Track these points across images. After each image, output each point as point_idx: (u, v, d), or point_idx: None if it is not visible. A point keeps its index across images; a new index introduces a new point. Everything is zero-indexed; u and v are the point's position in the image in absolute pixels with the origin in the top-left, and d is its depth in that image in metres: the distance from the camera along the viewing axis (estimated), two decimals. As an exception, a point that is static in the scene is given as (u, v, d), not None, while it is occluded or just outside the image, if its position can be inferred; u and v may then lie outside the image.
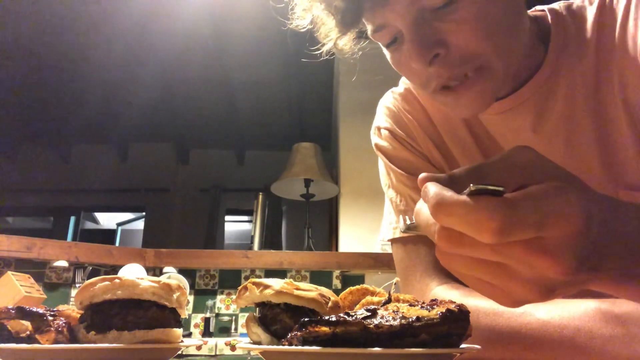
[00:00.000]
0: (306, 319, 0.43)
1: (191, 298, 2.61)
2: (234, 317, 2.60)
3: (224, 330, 2.59)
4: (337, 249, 3.35)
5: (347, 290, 0.60)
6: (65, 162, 6.00)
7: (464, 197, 0.32)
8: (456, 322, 0.43)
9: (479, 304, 0.60)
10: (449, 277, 0.73)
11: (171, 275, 2.44)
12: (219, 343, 2.19)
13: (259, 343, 0.52)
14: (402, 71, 0.68)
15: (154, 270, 2.57)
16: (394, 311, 0.44)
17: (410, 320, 0.42)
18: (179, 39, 4.01)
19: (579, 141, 0.68)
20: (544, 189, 0.33)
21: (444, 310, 0.43)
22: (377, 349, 0.41)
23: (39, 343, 0.51)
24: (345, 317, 0.43)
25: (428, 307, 0.44)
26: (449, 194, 0.33)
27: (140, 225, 6.80)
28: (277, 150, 5.30)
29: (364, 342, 0.42)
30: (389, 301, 0.50)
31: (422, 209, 0.36)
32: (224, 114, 5.34)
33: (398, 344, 0.42)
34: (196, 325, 2.59)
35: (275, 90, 4.92)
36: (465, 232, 0.32)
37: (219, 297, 2.63)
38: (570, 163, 0.61)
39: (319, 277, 2.63)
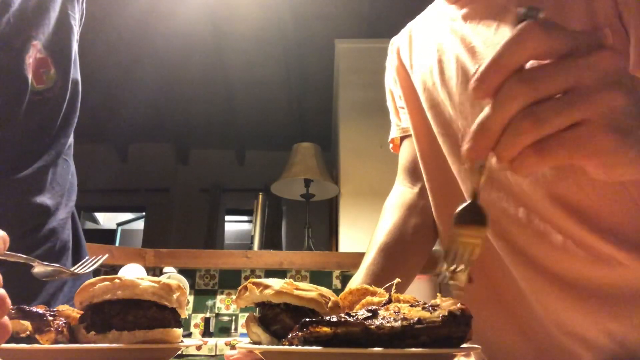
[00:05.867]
0: (307, 319, 0.43)
1: (191, 298, 2.61)
2: (234, 317, 2.60)
3: (224, 330, 2.59)
4: (337, 249, 3.35)
5: (347, 290, 0.60)
6: (65, 162, 6.00)
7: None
8: (457, 325, 0.42)
9: None
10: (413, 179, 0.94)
11: (171, 275, 2.44)
12: (219, 343, 2.19)
13: (259, 343, 0.52)
14: None
15: (154, 270, 2.57)
16: (394, 312, 0.44)
17: (412, 321, 0.42)
18: (179, 39, 4.01)
19: None
20: None
21: (446, 313, 0.42)
22: (378, 348, 0.41)
23: (39, 343, 0.51)
24: (347, 317, 0.43)
25: (430, 308, 0.44)
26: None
27: (140, 225, 6.80)
28: (277, 150, 5.30)
29: (364, 342, 0.42)
30: (389, 302, 0.50)
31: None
32: (224, 114, 5.34)
33: (398, 345, 0.42)
34: (196, 325, 2.59)
35: (275, 90, 4.92)
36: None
37: (219, 297, 2.63)
38: None
39: (319, 277, 2.63)
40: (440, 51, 0.81)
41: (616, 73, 0.35)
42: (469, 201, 0.39)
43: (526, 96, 0.35)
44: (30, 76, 0.83)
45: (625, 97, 0.35)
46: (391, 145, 1.02)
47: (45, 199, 0.88)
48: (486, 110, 0.36)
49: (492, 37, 0.72)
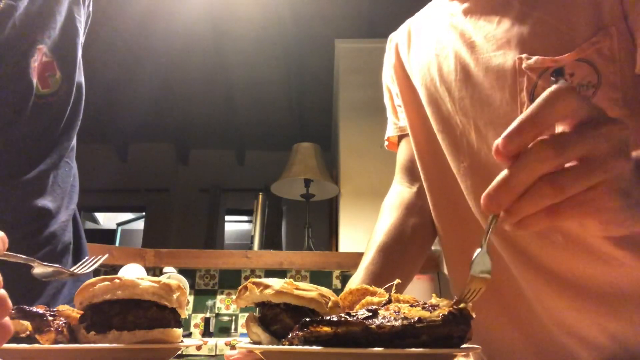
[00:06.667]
0: (308, 319, 0.43)
1: (191, 298, 2.61)
2: (234, 317, 2.60)
3: (224, 330, 2.59)
4: (337, 249, 3.35)
5: (347, 290, 0.60)
6: (65, 162, 6.00)
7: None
8: (457, 324, 0.42)
9: None
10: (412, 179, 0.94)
11: (171, 275, 2.44)
12: (219, 343, 2.19)
13: (259, 343, 0.52)
14: None
15: (154, 270, 2.57)
16: (395, 311, 0.44)
17: (412, 321, 0.42)
18: (179, 39, 4.01)
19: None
20: None
21: (446, 313, 0.42)
22: (378, 348, 0.41)
23: (39, 343, 0.51)
24: (347, 317, 0.43)
25: (430, 308, 0.44)
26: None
27: (140, 225, 6.80)
28: (277, 150, 5.30)
29: (365, 342, 0.42)
30: (389, 302, 0.50)
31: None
32: (224, 114, 5.33)
33: (399, 345, 0.42)
34: (196, 325, 2.59)
35: (275, 90, 4.92)
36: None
37: (219, 297, 2.63)
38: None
39: (319, 277, 2.63)
40: (438, 47, 0.81)
41: (624, 142, 0.38)
42: (479, 250, 0.43)
43: (553, 161, 0.36)
44: (35, 80, 0.83)
45: (629, 163, 0.38)
46: (387, 143, 1.02)
47: (46, 202, 0.88)
48: (509, 169, 0.38)
49: (493, 32, 0.72)
